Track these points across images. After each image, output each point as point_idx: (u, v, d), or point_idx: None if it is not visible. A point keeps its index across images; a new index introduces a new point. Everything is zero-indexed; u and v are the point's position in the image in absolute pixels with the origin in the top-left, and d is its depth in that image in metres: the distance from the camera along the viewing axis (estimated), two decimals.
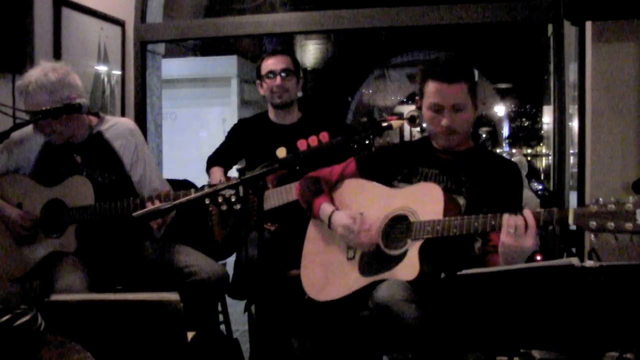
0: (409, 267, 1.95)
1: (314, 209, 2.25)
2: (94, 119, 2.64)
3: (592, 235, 1.69)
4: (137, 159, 2.61)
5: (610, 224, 1.65)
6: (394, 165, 2.25)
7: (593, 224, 1.67)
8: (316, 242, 2.31)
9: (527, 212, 1.79)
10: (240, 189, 2.07)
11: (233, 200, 2.06)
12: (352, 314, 2.05)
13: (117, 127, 2.63)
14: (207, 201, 2.11)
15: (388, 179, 2.24)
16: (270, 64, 2.94)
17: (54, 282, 2.39)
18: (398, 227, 2.08)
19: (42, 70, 2.44)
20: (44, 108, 2.38)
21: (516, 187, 2.14)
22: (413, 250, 1.97)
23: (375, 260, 2.08)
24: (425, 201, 2.03)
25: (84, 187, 2.49)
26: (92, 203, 2.46)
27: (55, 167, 2.56)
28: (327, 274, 2.20)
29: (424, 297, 1.93)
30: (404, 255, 1.99)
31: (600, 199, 1.69)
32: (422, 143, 2.27)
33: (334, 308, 2.13)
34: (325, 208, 2.21)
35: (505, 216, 1.80)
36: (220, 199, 2.07)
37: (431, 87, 2.11)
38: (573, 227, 1.75)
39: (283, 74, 2.91)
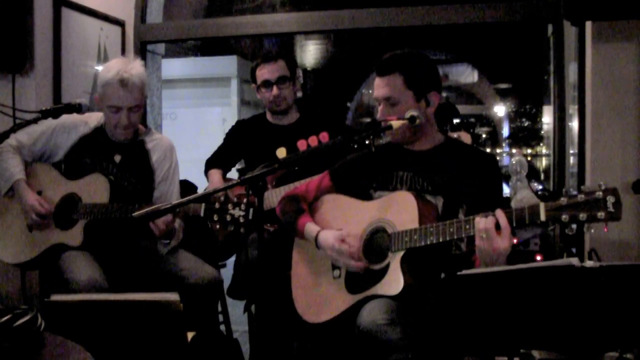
0: (393, 281, 1.92)
1: (298, 230, 2.21)
2: (142, 127, 2.75)
3: (569, 230, 1.67)
4: (167, 177, 2.70)
5: (582, 215, 1.61)
6: (368, 173, 2.21)
7: (565, 217, 1.64)
8: (302, 264, 2.28)
9: (498, 213, 1.75)
10: (251, 212, 2.06)
11: (242, 221, 2.05)
12: (345, 331, 2.02)
13: (159, 142, 2.75)
14: (215, 218, 2.11)
15: (364, 189, 2.20)
16: (265, 72, 2.87)
17: (66, 275, 2.40)
18: (377, 240, 2.05)
19: (135, 65, 2.58)
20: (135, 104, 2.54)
21: (494, 180, 2.09)
22: (395, 262, 1.94)
23: (360, 277, 2.04)
24: (399, 210, 2.00)
25: (101, 186, 2.55)
26: (105, 202, 2.51)
27: (83, 162, 2.63)
28: (316, 296, 2.17)
29: (414, 307, 1.91)
30: (386, 268, 1.97)
31: (571, 190, 1.67)
32: (393, 146, 2.20)
33: (328, 328, 2.11)
34: (310, 228, 2.16)
35: (477, 219, 1.77)
36: (228, 218, 2.07)
37: (375, 80, 2.12)
38: (545, 221, 1.70)
39: (279, 83, 2.86)
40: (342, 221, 2.16)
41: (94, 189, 2.55)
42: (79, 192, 2.58)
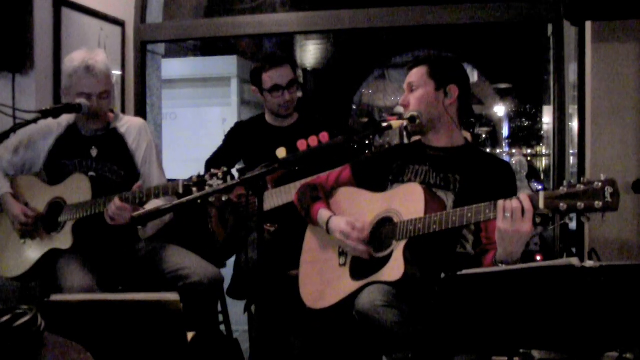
0: (394, 268, 1.95)
1: (311, 215, 2.27)
2: (110, 115, 2.72)
3: (567, 218, 1.69)
4: (147, 158, 2.69)
5: (580, 204, 1.64)
6: (387, 167, 2.27)
7: (563, 205, 1.66)
8: (312, 251, 2.33)
9: (522, 196, 1.77)
10: (229, 179, 2.08)
11: (221, 188, 2.07)
12: (346, 318, 2.05)
13: (131, 123, 2.73)
14: (194, 190, 2.12)
15: (382, 181, 2.25)
16: (275, 77, 2.83)
17: (60, 282, 2.40)
18: (384, 229, 2.09)
19: (99, 53, 2.58)
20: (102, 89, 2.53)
21: (510, 188, 2.12)
22: (398, 250, 1.98)
23: (365, 264, 2.09)
24: (407, 201, 2.04)
25: (82, 184, 2.53)
26: (88, 199, 2.50)
27: (62, 165, 2.62)
28: (322, 282, 2.22)
29: (413, 297, 1.93)
30: (389, 256, 2.00)
31: (571, 181, 1.69)
32: (415, 143, 2.28)
33: (330, 314, 2.13)
34: (323, 214, 2.23)
35: (500, 202, 1.78)
36: (208, 189, 2.08)
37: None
38: (545, 211, 1.72)
39: (289, 87, 2.84)
40: (354, 212, 2.21)
41: (76, 189, 2.54)
42: (62, 196, 2.57)
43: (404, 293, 1.93)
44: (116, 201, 2.38)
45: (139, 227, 2.59)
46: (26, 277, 2.64)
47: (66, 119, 2.65)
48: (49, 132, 2.65)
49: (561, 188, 1.68)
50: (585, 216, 1.66)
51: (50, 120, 2.54)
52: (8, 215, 2.60)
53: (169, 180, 2.85)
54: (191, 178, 2.27)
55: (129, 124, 2.72)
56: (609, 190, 1.61)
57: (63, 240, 2.52)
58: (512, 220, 1.75)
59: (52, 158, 2.65)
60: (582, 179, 1.67)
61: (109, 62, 2.61)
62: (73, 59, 2.54)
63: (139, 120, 2.78)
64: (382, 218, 2.11)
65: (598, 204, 1.62)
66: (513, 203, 1.76)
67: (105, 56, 2.60)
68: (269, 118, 3.00)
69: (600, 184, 1.62)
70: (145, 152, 2.69)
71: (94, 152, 2.63)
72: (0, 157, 2.66)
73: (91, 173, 2.59)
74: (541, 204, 1.71)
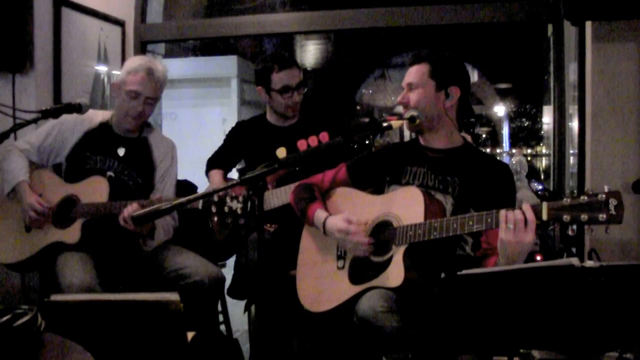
0: (394, 274, 1.94)
1: (308, 216, 2.25)
2: (146, 128, 2.80)
3: (570, 230, 1.68)
4: (164, 176, 2.74)
5: (584, 216, 1.63)
6: (384, 167, 2.25)
7: (567, 217, 1.66)
8: (309, 253, 2.31)
9: (526, 207, 1.75)
10: (249, 204, 2.08)
11: (239, 212, 2.07)
12: (346, 321, 2.04)
13: (163, 140, 2.82)
14: (213, 209, 2.12)
15: (379, 182, 2.23)
16: (285, 78, 2.82)
17: (59, 279, 2.40)
18: (383, 233, 2.08)
19: (160, 63, 2.70)
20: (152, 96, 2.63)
21: (509, 189, 2.10)
22: (398, 256, 1.96)
23: (364, 268, 2.07)
24: (406, 205, 2.02)
25: (100, 186, 2.58)
26: (104, 201, 2.53)
27: (87, 157, 2.65)
28: (319, 285, 2.21)
29: (414, 301, 1.92)
30: (389, 261, 1.99)
31: (574, 191, 1.68)
32: (412, 143, 2.27)
33: (330, 317, 2.13)
34: (319, 214, 2.21)
35: (502, 212, 1.77)
36: (226, 210, 2.08)
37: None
38: (546, 220, 1.72)
39: (299, 89, 2.85)
40: (351, 213, 2.18)
41: (93, 190, 2.57)
42: (78, 194, 2.60)
43: (404, 298, 1.92)
44: (134, 205, 2.42)
45: (141, 241, 2.60)
46: (25, 265, 2.65)
47: (101, 115, 2.73)
48: (80, 124, 2.69)
49: (565, 199, 1.67)
50: (588, 228, 1.65)
51: (87, 114, 2.57)
52: (22, 203, 2.60)
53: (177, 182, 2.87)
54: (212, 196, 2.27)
55: (160, 139, 2.80)
56: (613, 202, 1.60)
57: (70, 235, 2.54)
58: (514, 231, 1.74)
59: (77, 150, 2.68)
60: (585, 190, 1.66)
61: (167, 76, 2.69)
62: (135, 59, 2.68)
63: (170, 140, 2.86)
64: (381, 222, 2.09)
65: (602, 216, 1.61)
66: (516, 214, 1.74)
67: (165, 69, 2.70)
68: (270, 118, 3.00)
69: (604, 195, 1.61)
70: (166, 169, 2.75)
71: (120, 152, 2.68)
72: (31, 144, 2.69)
73: (109, 173, 2.63)
74: (544, 215, 1.70)
